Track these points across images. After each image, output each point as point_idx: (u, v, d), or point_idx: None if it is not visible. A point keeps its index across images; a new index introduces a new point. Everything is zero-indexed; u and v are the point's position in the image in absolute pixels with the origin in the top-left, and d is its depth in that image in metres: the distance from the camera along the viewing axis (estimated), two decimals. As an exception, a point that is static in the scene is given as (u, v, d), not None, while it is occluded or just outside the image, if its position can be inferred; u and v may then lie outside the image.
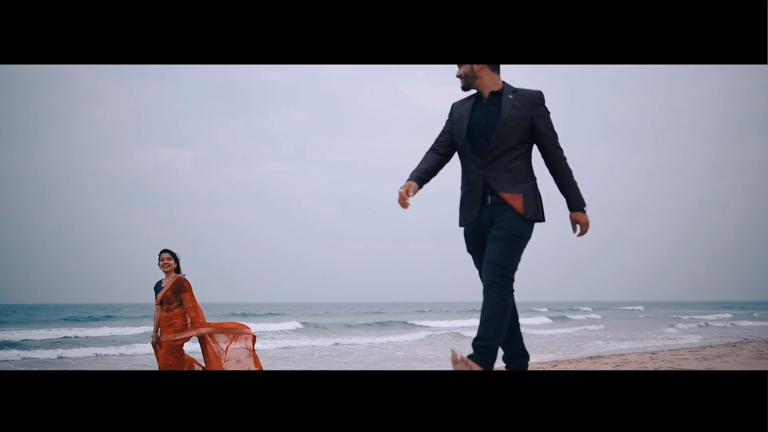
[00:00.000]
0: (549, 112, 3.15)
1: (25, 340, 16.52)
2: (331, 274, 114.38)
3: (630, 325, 25.38)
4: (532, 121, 3.09)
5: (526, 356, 3.27)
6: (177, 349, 5.78)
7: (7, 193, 73.35)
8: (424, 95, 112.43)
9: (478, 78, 3.16)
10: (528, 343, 3.41)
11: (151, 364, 9.07)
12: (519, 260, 3.08)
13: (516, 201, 3.05)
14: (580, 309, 50.30)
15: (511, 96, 3.11)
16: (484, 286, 3.06)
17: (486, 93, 3.17)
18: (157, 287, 5.96)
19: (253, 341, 6.08)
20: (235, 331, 5.98)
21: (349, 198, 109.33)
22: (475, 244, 3.22)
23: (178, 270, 5.97)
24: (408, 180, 3.19)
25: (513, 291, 3.08)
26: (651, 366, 5.57)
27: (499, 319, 2.99)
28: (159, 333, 5.86)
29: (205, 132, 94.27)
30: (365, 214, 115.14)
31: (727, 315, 38.17)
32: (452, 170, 3.35)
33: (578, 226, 3.17)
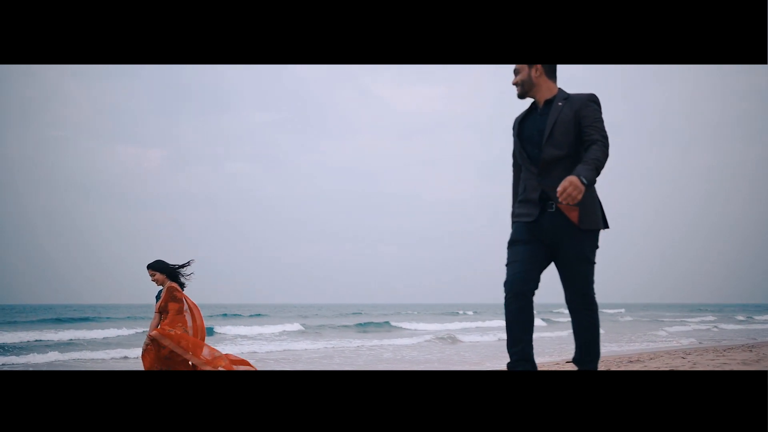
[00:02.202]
0: (598, 110, 3.05)
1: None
2: (299, 274, 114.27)
3: (617, 328, 25.45)
4: (579, 120, 3.03)
5: (532, 364, 3.13)
6: (174, 342, 5.80)
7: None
8: (395, 96, 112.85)
9: (535, 86, 3.13)
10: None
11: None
12: (594, 275, 3.09)
13: (573, 213, 3.00)
14: (561, 312, 50.43)
15: (561, 103, 3.08)
16: (569, 308, 3.09)
17: (541, 101, 3.15)
18: (158, 297, 6.07)
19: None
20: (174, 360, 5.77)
21: (320, 198, 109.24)
22: (527, 234, 3.08)
23: (172, 278, 5.99)
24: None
25: (597, 305, 3.13)
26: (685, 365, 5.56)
27: (597, 338, 3.12)
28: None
29: (173, 132, 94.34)
30: (335, 215, 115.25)
31: (710, 318, 38.29)
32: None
33: (568, 188, 2.80)
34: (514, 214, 3.23)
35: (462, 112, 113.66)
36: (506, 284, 3.08)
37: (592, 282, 3.08)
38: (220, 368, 5.81)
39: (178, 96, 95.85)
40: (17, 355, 13.24)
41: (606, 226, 3.11)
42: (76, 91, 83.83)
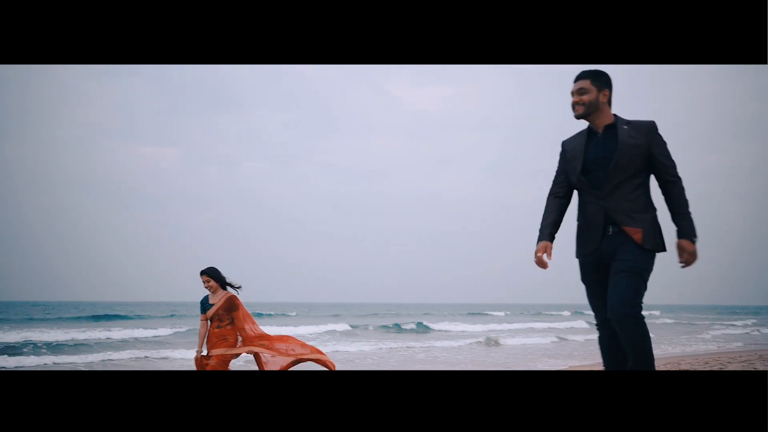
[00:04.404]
0: (665, 142, 3.09)
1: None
2: (316, 273, 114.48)
3: (661, 330, 25.03)
4: (650, 150, 3.05)
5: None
6: (228, 363, 5.89)
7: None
8: (411, 96, 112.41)
9: (599, 110, 3.11)
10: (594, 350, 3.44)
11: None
12: (644, 292, 3.05)
13: (637, 235, 3.02)
14: (583, 313, 49.57)
15: (626, 126, 3.08)
16: (613, 319, 3.03)
17: (600, 127, 3.13)
18: (205, 303, 6.01)
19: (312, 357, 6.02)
20: (284, 354, 5.96)
21: (335, 198, 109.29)
22: (592, 273, 3.18)
23: (224, 287, 5.98)
24: (540, 240, 3.19)
25: (643, 318, 3.05)
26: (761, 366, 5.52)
27: (647, 348, 3.04)
28: (205, 347, 5.93)
29: (190, 131, 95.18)
30: (350, 215, 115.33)
31: (751, 321, 37.40)
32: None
33: (684, 254, 3.04)
34: (578, 248, 3.22)
35: (475, 112, 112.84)
36: (595, 316, 3.27)
37: (638, 295, 3.02)
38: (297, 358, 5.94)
39: (193, 95, 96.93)
40: (73, 354, 13.68)
41: (664, 249, 3.10)
42: (93, 91, 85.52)
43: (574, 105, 3.12)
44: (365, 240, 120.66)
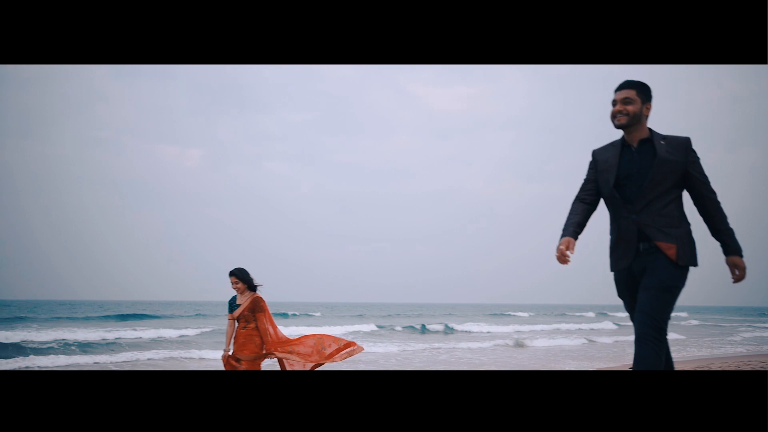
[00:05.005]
0: (699, 158, 3.09)
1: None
2: (337, 274, 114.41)
3: (693, 333, 24.66)
4: (685, 167, 3.03)
5: None
6: (259, 364, 5.96)
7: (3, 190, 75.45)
8: (431, 96, 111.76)
9: (640, 123, 3.08)
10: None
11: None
12: (672, 309, 3.03)
13: (671, 250, 3.00)
14: (607, 314, 48.82)
15: (662, 142, 3.06)
16: (636, 335, 3.02)
17: (636, 140, 3.10)
18: (232, 303, 6.08)
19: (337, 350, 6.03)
20: (308, 358, 5.97)
21: (354, 199, 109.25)
22: (627, 289, 3.18)
23: (252, 288, 6.01)
24: (563, 236, 3.16)
25: (666, 341, 3.03)
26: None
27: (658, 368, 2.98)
28: (231, 347, 6.00)
29: (210, 131, 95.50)
30: (370, 215, 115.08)
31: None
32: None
33: (736, 271, 3.06)
34: (611, 263, 3.21)
35: (498, 112, 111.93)
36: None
37: (665, 313, 2.98)
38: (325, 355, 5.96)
39: (216, 96, 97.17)
40: (102, 353, 13.93)
41: (696, 264, 3.08)
42: (117, 92, 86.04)
43: (617, 114, 3.08)
44: (384, 240, 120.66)
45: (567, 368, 11.91)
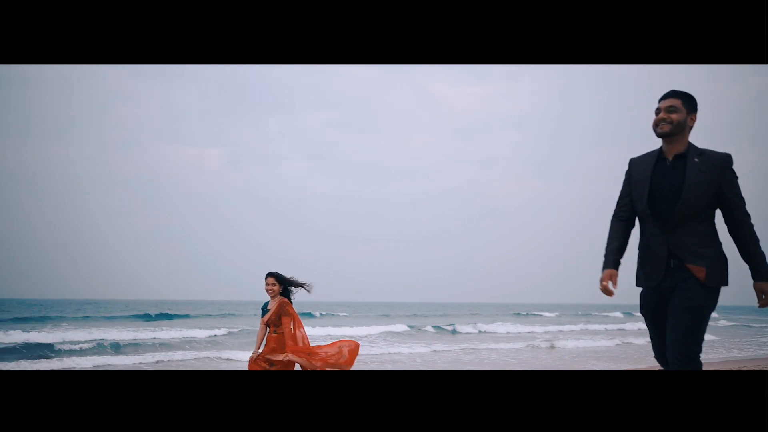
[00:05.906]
0: (737, 177, 3.01)
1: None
2: (358, 272, 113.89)
3: (729, 335, 24.27)
4: (719, 187, 2.97)
5: None
6: (292, 365, 6.02)
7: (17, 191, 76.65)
8: (451, 96, 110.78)
9: (683, 134, 3.03)
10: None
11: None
12: (704, 330, 2.98)
13: (701, 273, 2.95)
14: (633, 314, 48.00)
15: (697, 159, 2.99)
16: (671, 359, 2.96)
17: (671, 153, 3.05)
18: (264, 307, 6.17)
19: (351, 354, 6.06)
20: (324, 366, 6.00)
21: (374, 197, 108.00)
22: (652, 308, 3.12)
23: (284, 293, 6.04)
24: (605, 268, 3.10)
25: (701, 362, 2.97)
26: None
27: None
28: (261, 349, 6.05)
29: (233, 131, 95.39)
30: (387, 215, 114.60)
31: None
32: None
33: (763, 296, 3.00)
34: (640, 278, 3.17)
35: (517, 112, 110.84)
36: (653, 348, 3.24)
37: (697, 336, 2.94)
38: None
39: (235, 96, 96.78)
40: (136, 354, 14.12)
41: (727, 283, 3.04)
42: (137, 92, 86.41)
43: (661, 122, 3.03)
44: (402, 240, 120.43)
45: (592, 368, 11.87)
